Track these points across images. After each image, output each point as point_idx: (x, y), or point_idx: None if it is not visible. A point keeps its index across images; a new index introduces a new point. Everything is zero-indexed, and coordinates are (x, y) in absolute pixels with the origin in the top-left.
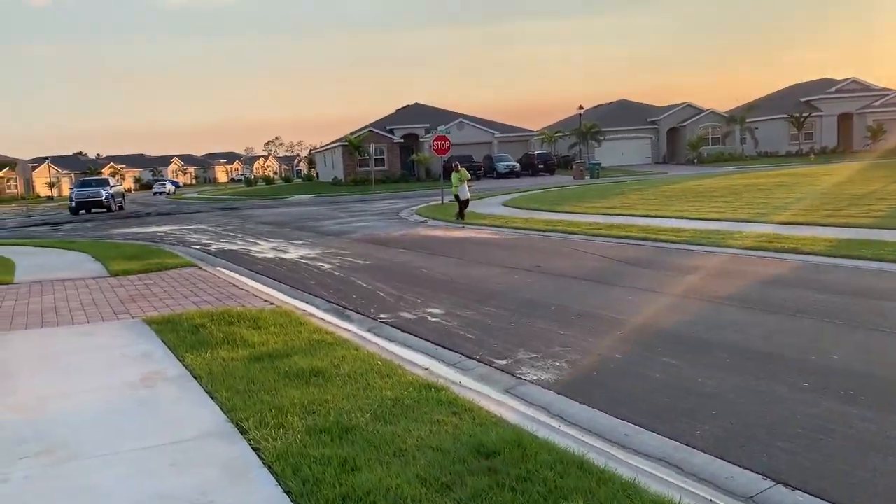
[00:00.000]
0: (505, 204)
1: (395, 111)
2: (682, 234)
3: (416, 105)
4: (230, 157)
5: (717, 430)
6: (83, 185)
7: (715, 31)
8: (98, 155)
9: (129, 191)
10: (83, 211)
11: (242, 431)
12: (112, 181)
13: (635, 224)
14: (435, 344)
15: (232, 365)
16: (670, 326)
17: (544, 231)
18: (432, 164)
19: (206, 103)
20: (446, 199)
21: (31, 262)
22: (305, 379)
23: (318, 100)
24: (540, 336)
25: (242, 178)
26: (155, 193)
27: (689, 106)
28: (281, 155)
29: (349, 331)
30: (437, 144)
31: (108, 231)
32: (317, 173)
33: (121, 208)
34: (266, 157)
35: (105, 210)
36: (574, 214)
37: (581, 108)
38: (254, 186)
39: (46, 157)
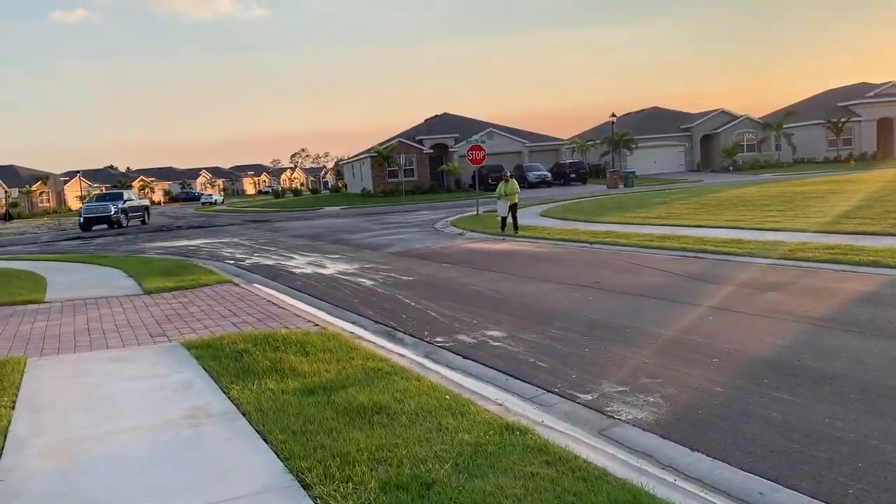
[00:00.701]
0: (542, 215)
1: (423, 121)
2: (744, 245)
3: (445, 115)
4: (257, 170)
5: (873, 488)
6: (98, 199)
7: (745, 37)
8: (128, 168)
9: (159, 203)
10: (95, 227)
11: (305, 486)
12: (128, 195)
13: (689, 235)
14: (504, 373)
15: (283, 399)
16: (770, 353)
17: (592, 243)
18: (462, 174)
19: (233, 116)
20: (482, 210)
21: (64, 280)
22: (368, 417)
23: (343, 111)
24: (621, 364)
25: (270, 190)
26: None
27: (723, 112)
28: (307, 167)
29: (405, 356)
30: (472, 154)
31: (140, 245)
32: (345, 185)
33: (143, 222)
34: (293, 169)
35: (115, 226)
36: (619, 225)
37: (614, 115)
38: (282, 198)
39: (78, 171)
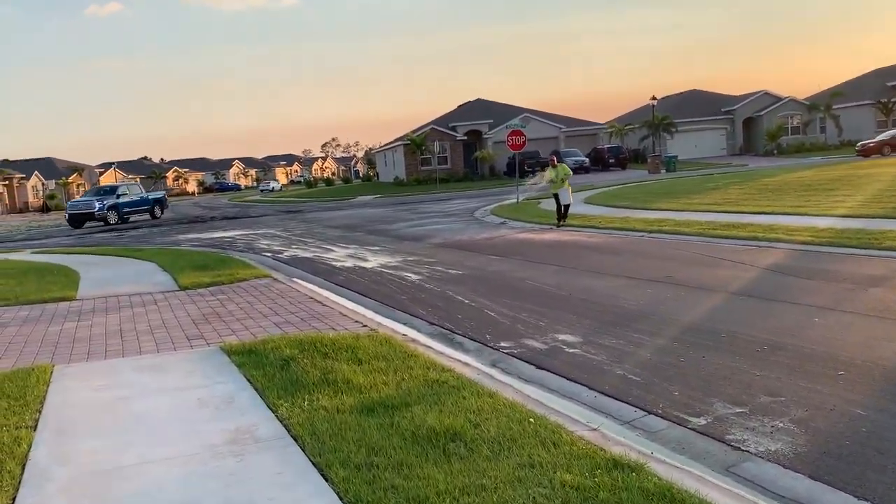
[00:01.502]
0: (587, 202)
1: (456, 108)
2: (821, 234)
3: (479, 101)
4: (289, 159)
5: None
6: (91, 193)
7: (785, 16)
8: (162, 159)
9: (193, 194)
10: (87, 223)
11: None
12: (126, 188)
13: (755, 223)
14: (589, 388)
15: (340, 420)
16: None
17: (649, 232)
18: (496, 161)
19: (265, 106)
20: (521, 198)
21: (96, 275)
22: (441, 446)
23: (374, 100)
24: (729, 379)
25: (302, 179)
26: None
27: (767, 94)
28: (338, 156)
29: (469, 365)
30: (512, 139)
31: (175, 237)
32: (376, 173)
33: (153, 217)
34: (324, 159)
35: (104, 223)
36: (674, 212)
37: (654, 98)
38: (314, 188)
39: (112, 163)
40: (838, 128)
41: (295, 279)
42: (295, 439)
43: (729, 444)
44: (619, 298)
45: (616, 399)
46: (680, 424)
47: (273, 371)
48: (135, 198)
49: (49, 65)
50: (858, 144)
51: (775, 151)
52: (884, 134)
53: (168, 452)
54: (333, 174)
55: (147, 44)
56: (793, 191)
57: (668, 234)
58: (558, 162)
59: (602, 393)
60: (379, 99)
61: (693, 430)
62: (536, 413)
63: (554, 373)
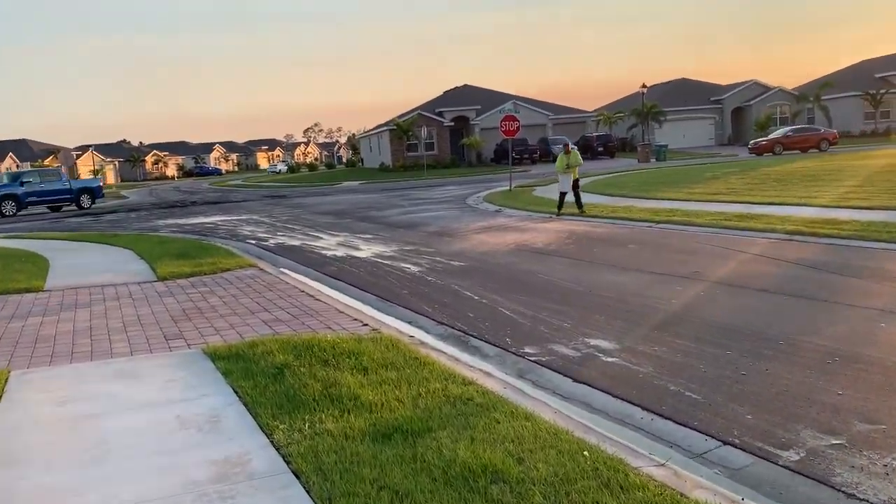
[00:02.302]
0: (582, 190)
1: (442, 94)
2: (844, 227)
3: (466, 87)
4: (271, 144)
5: None
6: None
7: (771, 7)
8: (141, 143)
9: (173, 178)
10: None
11: None
12: (33, 176)
13: (767, 214)
14: (644, 409)
15: (350, 450)
16: None
17: (657, 222)
18: (484, 148)
19: (247, 90)
20: (514, 185)
21: (68, 262)
22: (482, 490)
23: (356, 86)
24: (809, 399)
25: (284, 164)
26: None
27: (756, 83)
28: (320, 141)
29: (492, 376)
30: (506, 125)
31: (154, 222)
32: (361, 159)
33: (80, 207)
34: (306, 144)
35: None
36: (679, 202)
37: (645, 86)
38: (297, 173)
39: (90, 146)
40: (827, 118)
41: (283, 270)
42: (297, 476)
43: (839, 490)
44: (647, 297)
45: (678, 423)
46: (767, 460)
47: (265, 382)
48: (45, 187)
49: (24, 43)
50: (751, 143)
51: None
52: (777, 132)
53: (140, 494)
54: (316, 160)
55: (126, 24)
56: (797, 181)
57: (679, 225)
58: (573, 149)
59: (658, 415)
60: (361, 85)
61: (786, 467)
62: (588, 443)
63: (595, 387)
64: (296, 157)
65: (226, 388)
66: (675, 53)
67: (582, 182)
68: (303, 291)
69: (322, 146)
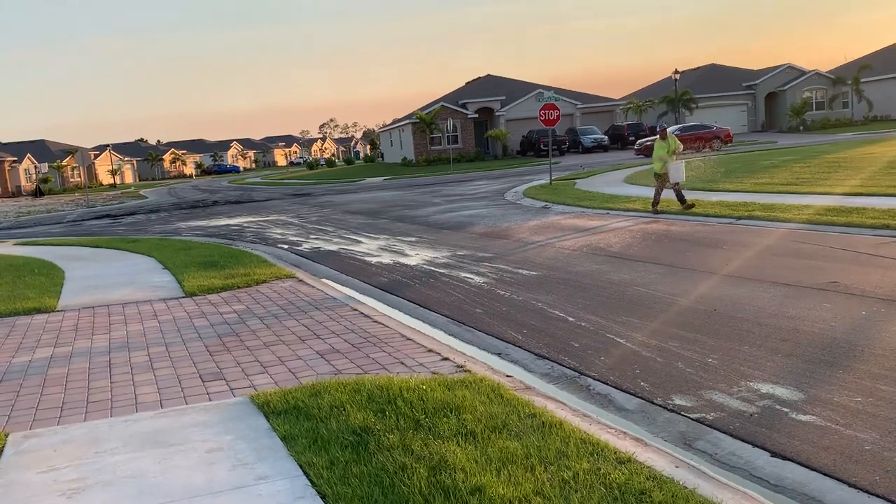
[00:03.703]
0: (629, 182)
1: (464, 85)
2: None
3: (489, 77)
4: (288, 141)
5: None
6: None
7: None
8: (158, 141)
9: (191, 176)
10: None
11: None
12: None
13: (868, 206)
14: None
15: None
16: None
17: (737, 218)
18: (509, 139)
19: (262, 87)
20: (553, 178)
21: (85, 273)
22: None
23: (371, 80)
24: None
25: (302, 161)
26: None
27: (791, 68)
28: (336, 137)
29: (649, 445)
30: (545, 114)
31: (175, 224)
32: (381, 154)
33: None
34: (323, 140)
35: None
36: (747, 194)
37: (677, 71)
38: (316, 169)
39: (108, 145)
40: (867, 102)
41: (325, 280)
42: None
43: None
44: (793, 318)
45: None
46: None
47: (345, 458)
48: None
49: (43, 45)
50: (637, 143)
51: (801, 128)
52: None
53: None
54: (333, 155)
55: (143, 24)
56: (872, 167)
57: (763, 221)
58: (667, 135)
59: None
60: (375, 80)
61: None
62: None
63: (812, 468)
64: (313, 153)
65: (291, 465)
66: (702, 39)
67: (624, 173)
68: (355, 310)
69: (338, 142)
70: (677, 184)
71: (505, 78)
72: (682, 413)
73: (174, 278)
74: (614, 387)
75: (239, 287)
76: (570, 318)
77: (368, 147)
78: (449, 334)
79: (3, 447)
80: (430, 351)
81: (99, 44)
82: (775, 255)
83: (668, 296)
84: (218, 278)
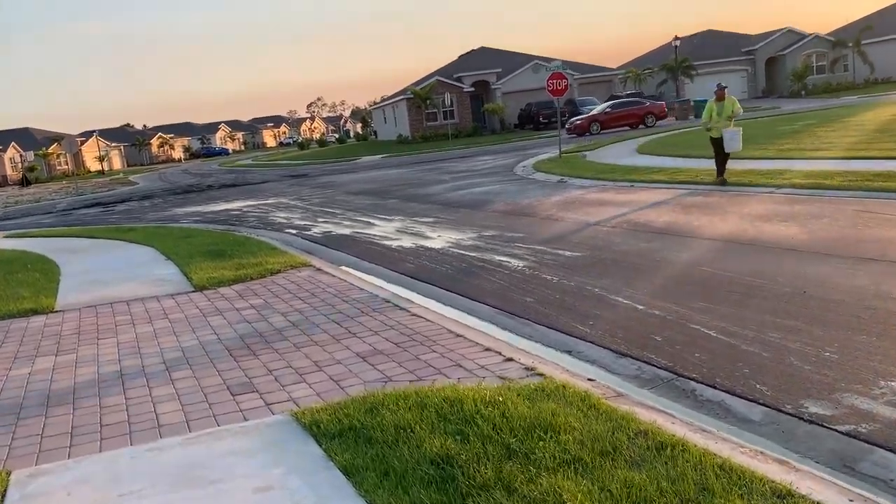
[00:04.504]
0: (641, 151)
1: (457, 58)
2: None
3: (483, 49)
4: (277, 121)
5: None
6: None
7: None
8: (145, 126)
9: (179, 160)
10: None
11: None
12: None
13: None
14: None
15: None
16: None
17: (777, 187)
18: (507, 113)
19: (245, 68)
20: (558, 151)
21: (82, 266)
22: None
23: (356, 58)
24: None
25: (291, 141)
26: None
27: (791, 31)
28: (325, 116)
29: (798, 470)
30: (553, 83)
31: (171, 211)
32: (374, 132)
33: None
34: (312, 119)
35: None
36: (778, 161)
37: (677, 38)
38: (307, 149)
39: (94, 131)
40: (869, 64)
41: (345, 268)
42: None
43: None
44: None
45: None
46: None
47: (426, 496)
48: None
49: (23, 31)
50: (568, 123)
51: (803, 92)
52: (597, 108)
53: None
54: (323, 134)
55: (122, 8)
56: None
57: (809, 189)
58: (725, 95)
59: None
60: (361, 57)
61: None
62: None
63: None
64: (302, 132)
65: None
66: (694, 4)
67: (633, 143)
68: (387, 302)
69: (327, 120)
70: (728, 154)
71: (499, 50)
72: (825, 425)
73: (179, 270)
74: (726, 391)
75: (252, 278)
76: (639, 306)
77: (359, 125)
78: (502, 328)
79: (6, 490)
80: (487, 350)
81: (80, 29)
82: (842, 227)
83: (739, 276)
84: (228, 269)
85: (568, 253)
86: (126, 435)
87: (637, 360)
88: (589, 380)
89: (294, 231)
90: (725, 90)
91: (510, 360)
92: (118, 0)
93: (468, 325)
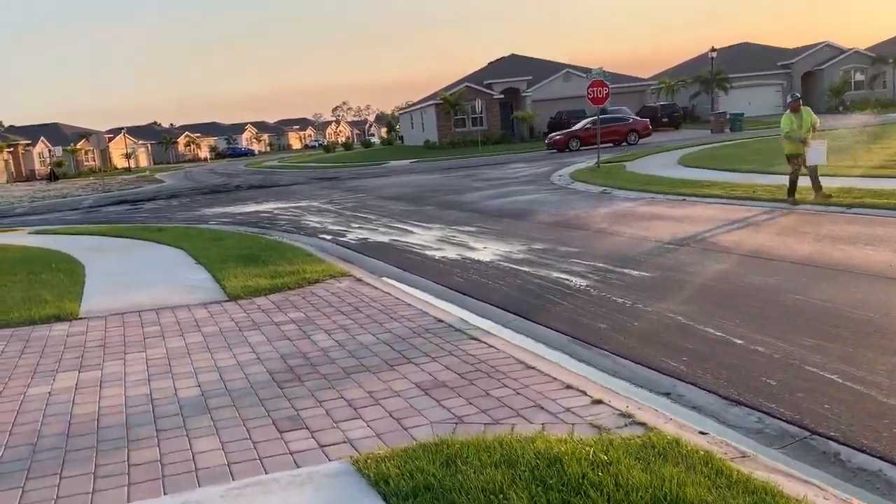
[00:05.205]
0: (683, 164)
1: (486, 65)
2: None
3: (512, 56)
4: (302, 124)
5: None
6: None
7: None
8: (172, 124)
9: (205, 160)
10: None
11: None
12: None
13: None
14: None
15: None
16: None
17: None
18: (536, 121)
19: (272, 70)
20: (594, 161)
21: (108, 267)
22: None
23: (382, 63)
24: None
25: (317, 144)
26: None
27: (829, 46)
28: (350, 119)
29: None
30: (594, 91)
31: (199, 211)
32: (401, 136)
33: None
34: (337, 123)
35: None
36: (856, 179)
37: (714, 49)
38: (333, 152)
39: (122, 128)
40: None
41: (388, 280)
42: None
43: None
44: None
45: None
46: None
47: None
48: None
49: (55, 29)
50: (548, 139)
51: (841, 108)
52: (578, 124)
53: None
54: (348, 138)
55: (154, 7)
56: None
57: (881, 210)
58: (800, 107)
59: None
60: (387, 62)
61: None
62: None
63: None
64: (327, 135)
65: None
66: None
67: (673, 155)
68: (440, 321)
69: (352, 124)
70: (815, 167)
71: (530, 57)
72: None
73: (211, 276)
74: (881, 458)
75: (289, 288)
76: (736, 340)
77: (384, 130)
78: (578, 360)
79: None
80: (568, 388)
81: (111, 28)
82: None
83: (842, 307)
84: (263, 277)
85: (635, 272)
86: (157, 479)
87: (753, 409)
88: (701, 433)
89: (328, 237)
90: (800, 101)
91: (599, 402)
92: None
93: (538, 353)
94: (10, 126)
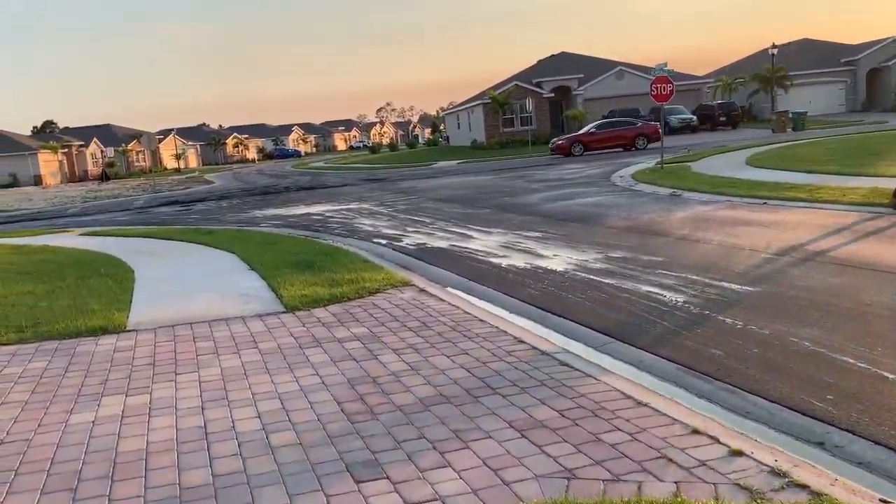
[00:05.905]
0: (752, 164)
1: (536, 63)
2: None
3: (563, 54)
4: (347, 125)
5: None
6: None
7: None
8: (220, 126)
9: (253, 161)
10: None
11: None
12: None
13: None
14: None
15: None
16: None
17: None
18: (588, 120)
19: (318, 71)
20: (656, 161)
21: (158, 273)
22: None
23: (425, 64)
24: None
25: (362, 145)
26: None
27: None
28: (393, 121)
29: None
30: (657, 88)
31: (250, 213)
32: (447, 137)
33: None
34: (381, 124)
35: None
36: None
37: (775, 45)
38: (378, 153)
39: (172, 129)
40: None
41: (453, 291)
42: None
43: None
44: None
45: None
46: None
47: None
48: None
49: (109, 32)
50: (552, 143)
51: None
52: (585, 128)
53: None
54: (392, 139)
55: (205, 10)
56: None
57: None
58: None
59: None
60: (430, 63)
61: None
62: None
63: None
64: (372, 136)
65: None
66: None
67: (742, 156)
68: (521, 341)
69: (396, 125)
70: None
71: (580, 55)
72: None
73: (266, 283)
74: None
75: (349, 298)
76: (888, 374)
77: (428, 130)
78: (698, 396)
79: None
80: (696, 433)
81: (161, 29)
82: None
83: None
84: (320, 285)
85: (736, 287)
86: None
87: None
88: (882, 501)
89: (384, 241)
90: None
91: (739, 453)
92: (199, 3)
93: (646, 386)
94: (65, 128)
